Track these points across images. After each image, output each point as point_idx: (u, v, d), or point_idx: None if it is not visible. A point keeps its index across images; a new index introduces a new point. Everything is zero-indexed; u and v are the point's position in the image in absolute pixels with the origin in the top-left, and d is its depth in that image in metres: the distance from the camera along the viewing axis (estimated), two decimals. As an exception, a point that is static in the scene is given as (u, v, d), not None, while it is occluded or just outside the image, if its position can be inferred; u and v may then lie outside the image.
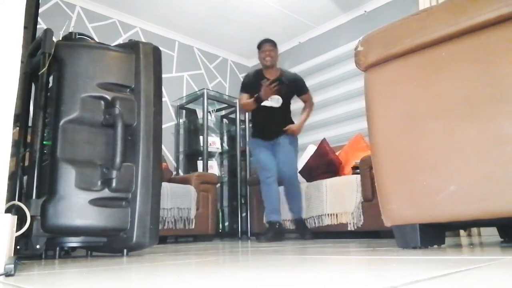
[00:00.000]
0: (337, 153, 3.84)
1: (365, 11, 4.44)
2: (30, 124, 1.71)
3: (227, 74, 5.52)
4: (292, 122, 3.48)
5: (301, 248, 1.87)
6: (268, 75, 3.41)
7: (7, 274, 0.92)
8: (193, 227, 3.69)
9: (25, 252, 1.50)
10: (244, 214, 4.76)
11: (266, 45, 3.37)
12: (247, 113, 4.67)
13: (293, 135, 3.41)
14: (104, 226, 1.60)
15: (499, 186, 1.21)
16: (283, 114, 3.45)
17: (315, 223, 3.42)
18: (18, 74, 1.09)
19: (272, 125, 3.41)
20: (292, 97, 3.52)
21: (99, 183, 1.63)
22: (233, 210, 4.96)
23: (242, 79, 3.69)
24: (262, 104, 3.34)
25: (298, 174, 4.03)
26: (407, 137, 1.45)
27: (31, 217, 1.44)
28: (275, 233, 3.12)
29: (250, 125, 3.80)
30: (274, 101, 3.39)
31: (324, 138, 4.04)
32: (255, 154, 3.47)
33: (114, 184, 1.63)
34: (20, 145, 1.72)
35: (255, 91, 3.31)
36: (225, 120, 5.28)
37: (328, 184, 3.39)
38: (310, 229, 3.41)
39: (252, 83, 3.41)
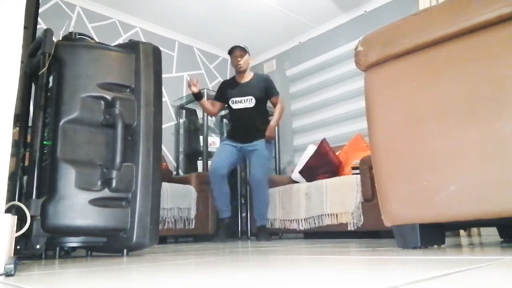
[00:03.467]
0: (337, 153, 3.84)
1: (365, 11, 4.44)
2: (30, 124, 1.71)
3: (227, 74, 5.52)
4: (267, 123, 3.51)
5: (301, 248, 1.87)
6: (240, 79, 3.54)
7: (7, 274, 0.92)
8: (193, 227, 3.69)
9: (25, 252, 1.50)
10: (244, 214, 4.76)
11: (237, 51, 3.46)
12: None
13: (270, 140, 3.47)
14: (104, 226, 1.60)
15: (499, 186, 1.21)
16: (258, 115, 3.50)
17: (315, 223, 3.42)
18: (18, 74, 1.09)
19: (245, 127, 3.47)
20: (266, 99, 3.57)
21: (99, 183, 1.63)
22: (233, 210, 4.95)
23: None
24: (236, 107, 3.47)
25: (299, 174, 4.05)
26: (407, 137, 1.45)
27: (31, 217, 1.44)
28: (225, 231, 3.36)
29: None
30: (247, 102, 3.46)
31: (324, 138, 4.04)
32: (217, 150, 3.59)
33: (114, 184, 1.63)
34: (20, 145, 1.72)
35: (226, 97, 3.51)
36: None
37: (328, 184, 3.39)
38: (268, 233, 3.52)
39: (224, 89, 3.58)
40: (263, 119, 3.54)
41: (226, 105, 3.59)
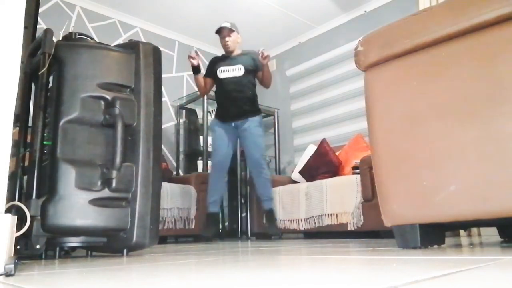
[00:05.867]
0: (337, 153, 3.84)
1: (365, 11, 4.44)
2: (30, 124, 1.71)
3: (227, 74, 5.51)
4: (256, 97, 3.43)
5: (301, 248, 1.87)
6: (229, 54, 3.48)
7: (7, 274, 0.92)
8: (193, 227, 3.69)
9: (25, 252, 1.50)
10: (244, 214, 4.76)
11: (224, 31, 3.41)
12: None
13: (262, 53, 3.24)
14: (104, 226, 1.60)
15: (499, 186, 1.21)
16: (247, 86, 3.39)
17: (315, 223, 3.42)
18: (18, 74, 1.09)
19: (234, 100, 3.35)
20: (254, 71, 3.45)
21: (99, 183, 1.63)
22: (233, 210, 4.96)
23: None
24: (224, 76, 3.36)
25: (299, 174, 4.04)
26: (407, 137, 1.45)
27: (31, 217, 1.44)
28: (213, 226, 3.28)
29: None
30: (236, 71, 3.37)
31: (324, 138, 4.04)
32: (212, 138, 3.47)
33: (114, 184, 1.63)
34: (20, 145, 1.72)
35: (215, 70, 3.41)
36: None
37: (328, 184, 3.39)
38: (278, 226, 3.45)
39: (214, 63, 3.48)
40: (252, 92, 3.44)
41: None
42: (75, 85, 1.68)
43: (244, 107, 3.36)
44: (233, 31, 3.42)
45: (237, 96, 3.36)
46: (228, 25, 3.41)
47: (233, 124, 3.39)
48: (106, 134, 1.71)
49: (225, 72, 3.40)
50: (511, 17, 1.23)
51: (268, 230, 3.39)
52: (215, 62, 3.51)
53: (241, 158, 4.86)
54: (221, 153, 3.34)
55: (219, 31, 3.44)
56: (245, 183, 4.65)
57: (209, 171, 4.32)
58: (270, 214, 3.44)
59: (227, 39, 3.40)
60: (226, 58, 3.49)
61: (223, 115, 3.42)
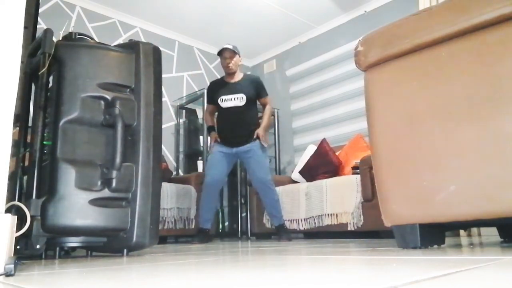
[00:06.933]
0: (337, 153, 3.84)
1: (365, 11, 4.44)
2: (30, 124, 1.71)
3: (227, 74, 5.51)
4: (258, 125, 3.40)
5: (301, 248, 1.87)
6: (230, 79, 3.44)
7: (7, 274, 0.92)
8: (193, 227, 3.69)
9: (25, 252, 1.50)
10: (244, 214, 4.76)
11: (226, 53, 3.38)
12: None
13: (262, 142, 3.31)
14: (104, 226, 1.60)
15: (499, 186, 1.21)
16: (249, 115, 3.38)
17: (315, 223, 3.42)
18: (18, 74, 1.09)
19: (236, 128, 3.34)
20: (256, 99, 3.45)
21: (99, 183, 1.63)
22: (233, 210, 4.96)
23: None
24: (226, 106, 3.35)
25: (299, 174, 4.04)
26: (407, 137, 1.45)
27: (31, 217, 1.44)
28: (204, 238, 3.26)
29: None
30: (238, 100, 3.35)
31: (324, 138, 4.04)
32: (210, 156, 3.43)
33: (114, 184, 1.63)
34: (20, 145, 1.72)
35: (216, 97, 3.39)
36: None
37: (328, 184, 3.39)
38: (289, 232, 3.42)
39: (214, 89, 3.47)
40: (255, 120, 3.43)
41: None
42: (75, 85, 1.68)
43: (245, 135, 3.33)
44: (235, 53, 3.39)
45: (239, 126, 3.34)
46: (230, 47, 3.38)
47: (233, 150, 3.35)
48: (106, 134, 1.71)
49: (227, 101, 3.36)
50: (511, 17, 1.23)
51: (281, 238, 3.33)
52: (216, 89, 3.44)
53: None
54: (215, 174, 3.28)
55: (220, 52, 3.40)
56: (245, 183, 4.65)
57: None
58: (281, 229, 3.39)
59: (229, 60, 3.36)
60: (227, 84, 3.43)
61: (224, 141, 3.39)
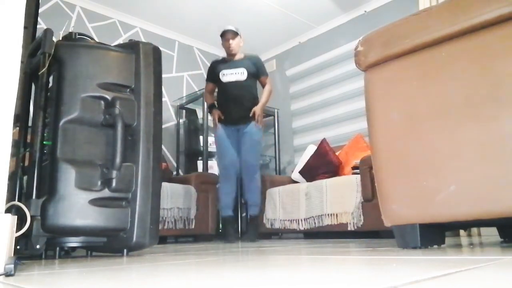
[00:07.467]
0: (337, 153, 3.84)
1: (365, 11, 4.44)
2: (30, 124, 1.71)
3: (227, 74, 5.51)
4: (258, 101, 3.44)
5: (301, 248, 1.87)
6: (231, 58, 3.49)
7: (7, 274, 0.92)
8: (193, 227, 3.69)
9: (25, 252, 1.50)
10: (244, 214, 4.76)
11: (228, 34, 3.42)
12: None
13: (257, 122, 3.35)
14: (104, 226, 1.60)
15: (499, 186, 1.21)
16: (249, 91, 3.42)
17: (315, 223, 3.42)
18: (18, 74, 1.09)
19: (237, 105, 3.37)
20: (256, 76, 3.49)
21: (99, 183, 1.63)
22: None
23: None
24: (227, 80, 3.39)
25: (299, 174, 4.04)
26: (407, 137, 1.45)
27: (31, 217, 1.44)
28: (230, 229, 3.30)
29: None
30: (239, 74, 3.38)
31: (324, 138, 4.04)
32: (217, 142, 3.48)
33: (114, 184, 1.63)
34: (20, 145, 1.72)
35: (217, 73, 3.43)
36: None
37: (328, 184, 3.39)
38: (257, 232, 3.44)
39: (216, 67, 3.50)
40: (254, 96, 3.46)
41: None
42: (75, 85, 1.68)
43: (247, 111, 3.37)
44: (237, 34, 3.44)
45: (240, 100, 3.38)
46: (233, 28, 3.44)
47: (235, 128, 3.41)
48: (106, 134, 1.71)
49: (228, 75, 3.41)
50: (511, 17, 1.23)
51: (249, 236, 3.36)
52: (216, 66, 3.51)
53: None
54: (228, 156, 3.36)
55: (223, 34, 3.45)
56: (245, 183, 4.64)
57: (209, 171, 4.33)
58: (255, 221, 3.45)
59: (231, 41, 3.41)
60: (228, 61, 3.49)
61: (225, 119, 3.42)
